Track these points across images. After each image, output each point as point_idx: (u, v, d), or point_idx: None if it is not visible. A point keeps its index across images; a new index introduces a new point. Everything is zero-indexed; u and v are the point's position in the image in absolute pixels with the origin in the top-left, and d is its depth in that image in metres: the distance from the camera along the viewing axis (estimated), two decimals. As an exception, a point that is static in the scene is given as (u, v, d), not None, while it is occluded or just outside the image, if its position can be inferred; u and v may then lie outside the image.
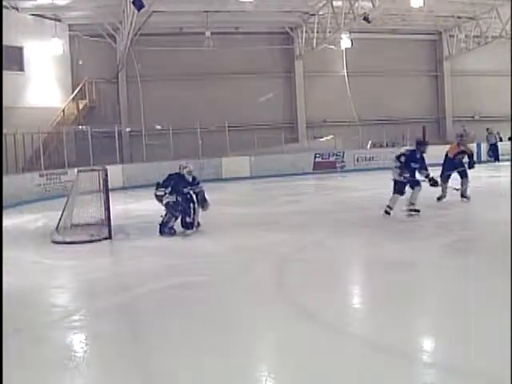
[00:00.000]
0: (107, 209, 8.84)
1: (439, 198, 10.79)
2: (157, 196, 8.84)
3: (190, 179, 8.88)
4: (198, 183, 8.97)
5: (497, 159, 21.82)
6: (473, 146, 16.35)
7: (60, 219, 9.09)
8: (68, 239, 8.49)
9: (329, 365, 3.60)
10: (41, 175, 15.99)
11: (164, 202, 8.73)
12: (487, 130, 22.60)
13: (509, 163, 15.80)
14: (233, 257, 7.18)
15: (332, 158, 21.66)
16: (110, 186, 9.05)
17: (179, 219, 8.76)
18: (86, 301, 5.49)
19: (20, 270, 6.71)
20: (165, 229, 8.68)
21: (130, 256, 7.52)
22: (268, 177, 19.29)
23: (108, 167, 9.34)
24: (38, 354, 3.96)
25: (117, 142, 19.56)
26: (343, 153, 21.80)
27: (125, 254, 7.76)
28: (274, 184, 17.41)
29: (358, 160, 22.01)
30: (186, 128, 20.76)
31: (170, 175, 8.92)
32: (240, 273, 6.23)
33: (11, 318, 4.44)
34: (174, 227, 8.73)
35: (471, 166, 10.81)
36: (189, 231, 8.68)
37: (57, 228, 9.04)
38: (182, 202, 8.69)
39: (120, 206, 10.59)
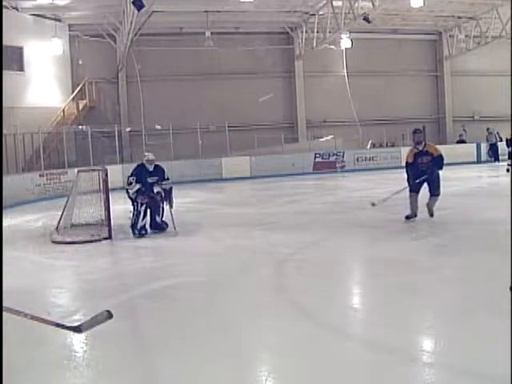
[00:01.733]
0: (107, 209, 8.84)
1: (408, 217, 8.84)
2: (127, 191, 8.68)
3: (151, 168, 8.71)
4: (167, 178, 8.78)
5: (497, 159, 21.81)
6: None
7: (60, 219, 9.11)
8: (68, 239, 8.51)
9: (328, 365, 3.60)
10: (41, 175, 16.01)
11: (129, 195, 8.56)
12: (487, 129, 22.61)
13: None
14: (232, 257, 7.18)
15: (332, 158, 21.68)
16: (110, 186, 9.05)
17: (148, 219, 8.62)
18: (86, 301, 5.48)
19: (20, 269, 6.71)
20: (135, 230, 8.53)
21: (130, 256, 7.52)
22: (268, 177, 19.30)
23: (108, 167, 9.35)
24: (38, 354, 3.96)
25: (117, 142, 19.60)
26: (343, 153, 21.81)
27: (125, 254, 7.75)
28: (274, 184, 17.41)
29: (358, 160, 22.04)
30: (186, 128, 20.80)
31: (137, 166, 8.80)
32: (239, 273, 6.23)
33: (11, 317, 4.43)
34: (147, 227, 8.62)
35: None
36: (160, 234, 8.55)
37: (57, 228, 9.06)
38: (151, 202, 8.53)
39: (120, 206, 10.57)
